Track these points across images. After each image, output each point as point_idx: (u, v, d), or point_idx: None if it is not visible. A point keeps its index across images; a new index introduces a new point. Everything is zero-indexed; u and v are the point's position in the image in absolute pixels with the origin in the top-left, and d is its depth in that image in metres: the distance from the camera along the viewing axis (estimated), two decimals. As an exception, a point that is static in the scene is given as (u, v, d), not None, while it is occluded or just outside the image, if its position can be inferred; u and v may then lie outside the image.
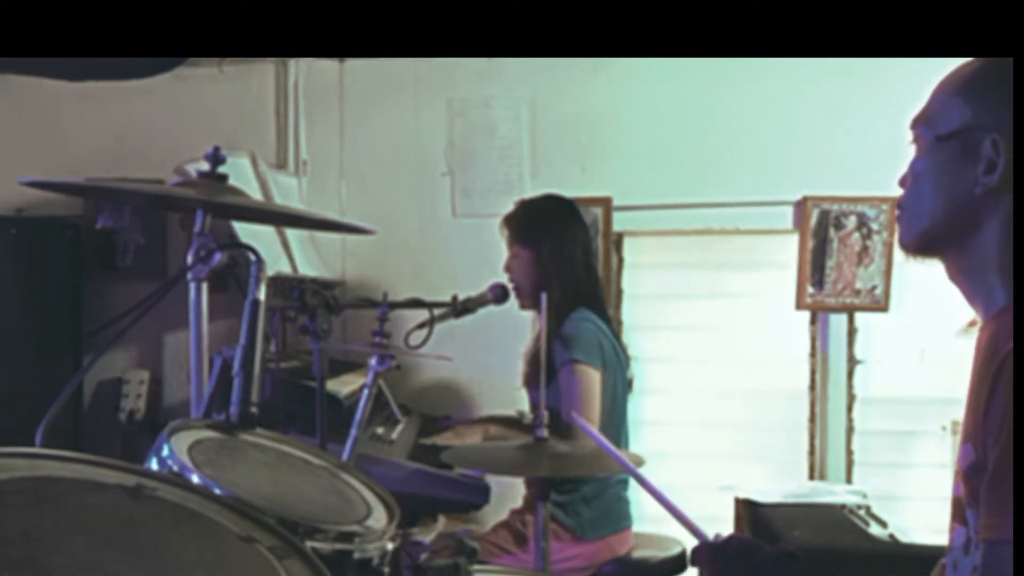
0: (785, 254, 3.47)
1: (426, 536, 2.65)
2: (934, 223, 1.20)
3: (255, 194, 3.03)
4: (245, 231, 2.45)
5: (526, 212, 2.86)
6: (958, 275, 1.21)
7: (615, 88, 3.53)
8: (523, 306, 2.86)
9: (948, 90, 1.19)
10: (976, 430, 1.09)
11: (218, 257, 1.59)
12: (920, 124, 1.22)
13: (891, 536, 2.47)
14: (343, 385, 2.81)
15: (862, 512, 2.65)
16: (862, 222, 3.41)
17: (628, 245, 3.56)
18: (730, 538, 1.40)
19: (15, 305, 3.35)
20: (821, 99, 3.41)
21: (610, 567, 2.71)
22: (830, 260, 3.43)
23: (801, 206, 3.44)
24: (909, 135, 1.24)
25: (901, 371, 3.46)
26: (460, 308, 2.53)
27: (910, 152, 1.25)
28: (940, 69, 1.24)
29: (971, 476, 1.10)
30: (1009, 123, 1.11)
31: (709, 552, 1.37)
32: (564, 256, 2.77)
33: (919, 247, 1.23)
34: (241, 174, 2.96)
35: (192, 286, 1.65)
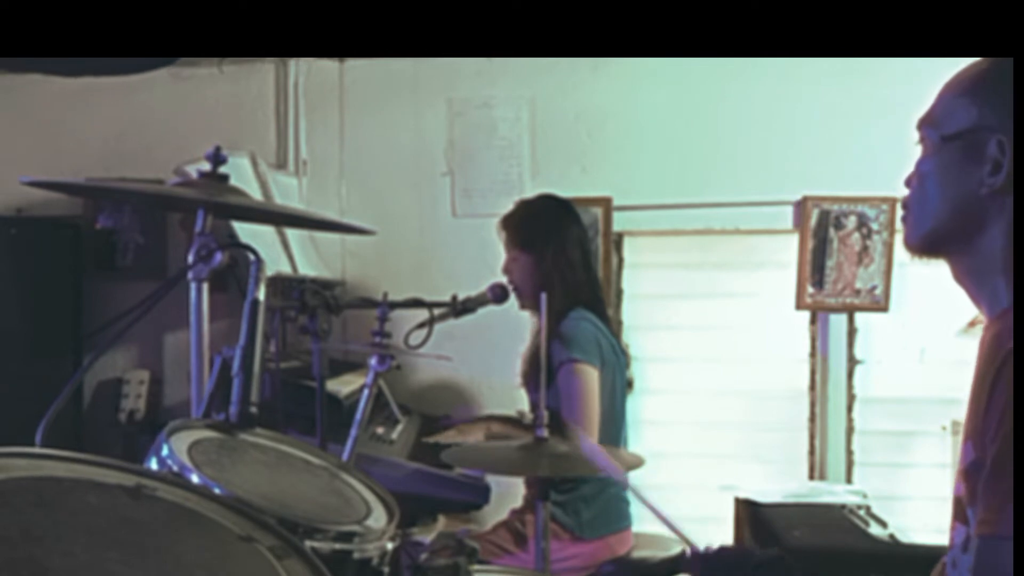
0: (785, 254, 3.47)
1: (426, 536, 2.65)
2: (939, 224, 1.20)
3: (255, 194, 3.03)
4: (245, 231, 2.45)
5: (524, 215, 2.86)
6: (963, 276, 1.21)
7: (615, 88, 3.53)
8: (523, 306, 2.86)
9: (954, 91, 1.19)
10: (977, 428, 1.10)
11: (218, 257, 1.59)
12: (926, 125, 1.22)
13: (891, 536, 2.47)
14: (343, 385, 2.81)
15: (862, 512, 2.65)
16: (862, 222, 3.41)
17: (628, 245, 3.56)
18: (721, 549, 1.40)
19: (15, 305, 3.35)
20: (821, 99, 3.41)
21: (609, 567, 2.71)
22: (830, 260, 3.43)
23: (801, 206, 3.44)
24: (911, 135, 1.25)
25: (901, 371, 3.46)
26: (460, 308, 2.52)
27: (911, 152, 1.25)
28: (940, 69, 1.24)
29: (971, 474, 1.10)
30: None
31: (701, 564, 1.38)
32: (563, 259, 2.77)
33: (924, 248, 1.23)
34: (241, 174, 2.96)
35: (192, 286, 1.65)
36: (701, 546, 1.42)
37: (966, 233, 1.17)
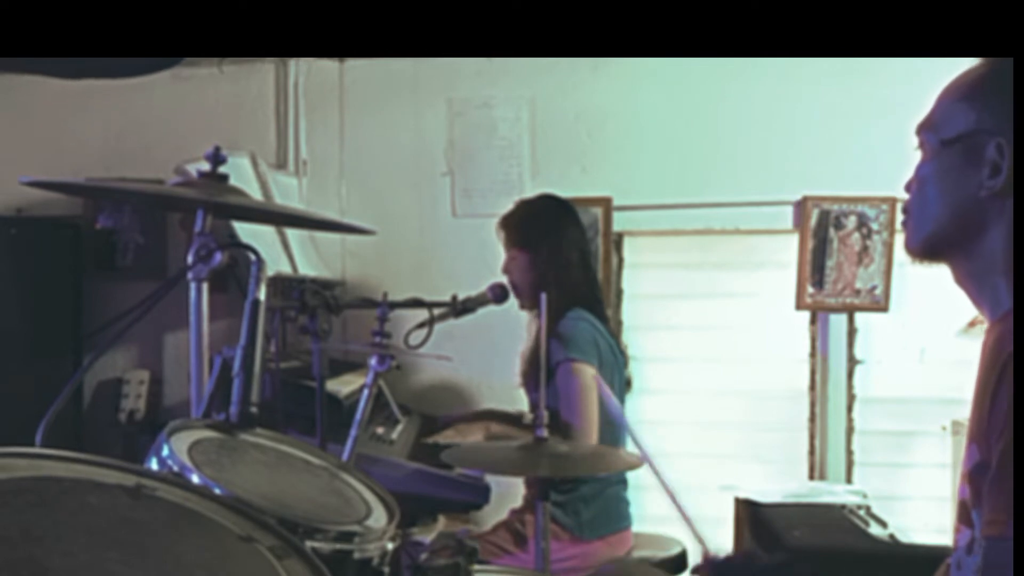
0: (785, 254, 3.47)
1: (426, 536, 2.65)
2: (940, 227, 1.20)
3: (255, 194, 3.03)
4: (245, 231, 2.45)
5: (522, 214, 2.86)
6: (965, 279, 1.21)
7: (615, 88, 3.53)
8: (522, 306, 2.86)
9: (953, 95, 1.20)
10: (982, 430, 1.10)
11: (218, 257, 1.59)
12: (925, 129, 1.22)
13: (891, 536, 2.48)
14: (343, 385, 2.81)
15: (862, 512, 2.66)
16: (862, 222, 3.41)
17: (628, 245, 3.56)
18: (730, 557, 1.42)
19: (15, 305, 3.35)
20: (821, 99, 3.41)
21: (609, 567, 2.71)
22: (830, 260, 3.43)
23: (801, 206, 3.44)
24: (911, 135, 1.25)
25: (901, 371, 3.46)
26: (460, 308, 2.52)
27: (911, 152, 1.25)
28: (940, 70, 1.24)
29: (976, 476, 1.10)
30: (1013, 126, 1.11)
31: (712, 569, 1.40)
32: (561, 258, 2.78)
33: (925, 252, 1.23)
34: (241, 174, 2.96)
35: (192, 286, 1.65)
36: (711, 547, 1.45)
37: (966, 236, 1.18)
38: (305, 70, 3.66)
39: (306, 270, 3.17)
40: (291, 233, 3.19)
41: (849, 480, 3.42)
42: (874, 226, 3.41)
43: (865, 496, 2.85)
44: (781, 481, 3.12)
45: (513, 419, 2.93)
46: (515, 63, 3.53)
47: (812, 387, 3.49)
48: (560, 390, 2.66)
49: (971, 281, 1.20)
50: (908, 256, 1.26)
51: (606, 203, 3.50)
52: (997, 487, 1.05)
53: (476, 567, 1.56)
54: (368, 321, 2.31)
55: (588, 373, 2.66)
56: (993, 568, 1.05)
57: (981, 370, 1.15)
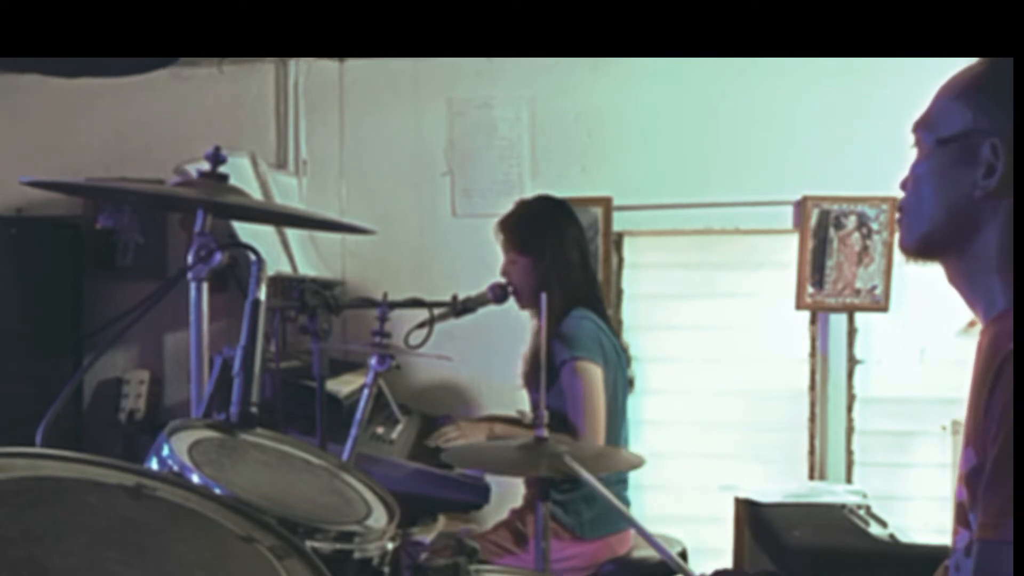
0: (785, 254, 3.47)
1: (426, 536, 2.65)
2: (934, 226, 1.20)
3: (255, 194, 3.02)
4: (245, 231, 2.45)
5: (521, 217, 2.85)
6: (958, 279, 1.21)
7: (615, 88, 3.53)
8: (523, 307, 2.86)
9: (949, 94, 1.20)
10: (977, 433, 1.10)
11: (218, 257, 1.58)
12: (921, 128, 1.22)
13: (891, 536, 2.48)
14: (343, 385, 2.81)
15: (862, 512, 2.66)
16: (862, 222, 3.41)
17: (628, 245, 3.56)
18: (715, 574, 1.42)
19: (15, 305, 3.35)
20: (821, 99, 3.42)
21: (610, 567, 2.71)
22: (830, 260, 3.43)
23: (801, 206, 3.44)
24: (910, 135, 1.25)
25: (901, 371, 3.46)
26: (460, 308, 2.53)
27: (910, 152, 1.25)
28: (940, 69, 1.24)
29: (972, 479, 1.10)
30: (1009, 127, 1.11)
31: None
32: (562, 260, 2.77)
33: (919, 251, 1.23)
34: (241, 174, 2.96)
35: (192, 286, 1.65)
36: (697, 572, 1.45)
37: (961, 236, 1.17)
38: (305, 70, 3.66)
39: (306, 270, 3.17)
40: (291, 233, 3.18)
41: (849, 480, 3.42)
42: (874, 226, 3.41)
43: (865, 496, 2.85)
44: (781, 481, 3.12)
45: (517, 424, 2.93)
46: (515, 63, 3.53)
47: (812, 387, 3.49)
48: (565, 389, 2.65)
49: (965, 281, 1.20)
50: (903, 255, 1.26)
51: (606, 203, 3.50)
52: (992, 489, 1.04)
53: (476, 567, 1.56)
54: (368, 321, 2.32)
55: (593, 371, 2.66)
56: (986, 570, 1.05)
57: (976, 372, 1.14)
